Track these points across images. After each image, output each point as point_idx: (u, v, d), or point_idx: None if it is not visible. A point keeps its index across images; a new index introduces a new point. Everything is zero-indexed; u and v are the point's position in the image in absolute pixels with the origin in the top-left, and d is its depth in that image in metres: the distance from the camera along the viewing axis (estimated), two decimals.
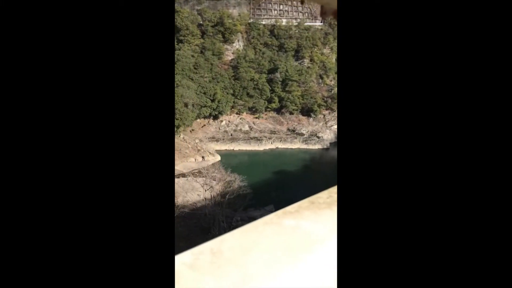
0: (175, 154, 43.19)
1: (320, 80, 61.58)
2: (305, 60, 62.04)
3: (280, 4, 63.60)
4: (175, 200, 32.42)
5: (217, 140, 51.33)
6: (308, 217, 1.11)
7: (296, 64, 61.16)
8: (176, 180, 37.32)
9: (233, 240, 0.97)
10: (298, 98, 57.49)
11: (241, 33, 61.98)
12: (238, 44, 61.88)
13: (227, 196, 31.80)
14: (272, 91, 57.17)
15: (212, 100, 52.10)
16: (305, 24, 62.93)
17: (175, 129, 43.97)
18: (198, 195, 34.30)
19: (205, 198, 32.80)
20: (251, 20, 62.17)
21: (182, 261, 0.87)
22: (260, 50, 60.92)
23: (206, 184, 33.57)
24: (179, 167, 41.70)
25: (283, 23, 62.64)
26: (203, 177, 35.96)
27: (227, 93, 54.78)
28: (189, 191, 35.06)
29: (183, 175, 39.69)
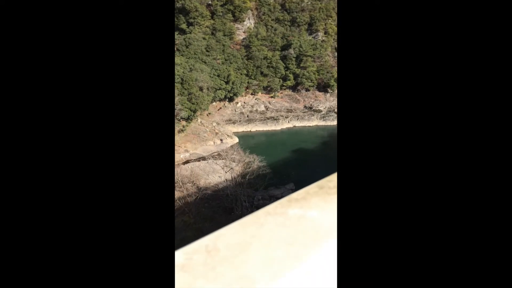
0: (194, 138, 44.06)
1: (336, 53, 59.31)
2: (319, 33, 59.67)
3: None
4: (198, 183, 33.50)
5: (233, 122, 51.56)
6: (316, 204, 1.01)
7: (310, 38, 59.04)
8: (197, 163, 38.33)
9: (231, 235, 0.88)
10: (314, 73, 55.98)
11: (251, 10, 60.12)
12: (249, 22, 60.28)
13: (247, 177, 32.40)
14: (287, 68, 55.92)
15: (227, 82, 51.85)
16: None
17: (192, 114, 44.50)
18: (219, 176, 35.19)
19: (226, 180, 33.62)
20: None
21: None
22: (272, 27, 59.11)
23: (226, 166, 34.25)
24: (198, 150, 42.62)
25: None
26: (222, 159, 36.65)
27: (241, 74, 54.21)
28: (210, 174, 35.98)
29: (203, 158, 40.63)
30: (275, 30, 58.67)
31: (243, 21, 59.86)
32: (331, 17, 59.90)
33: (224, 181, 33.85)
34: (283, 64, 55.82)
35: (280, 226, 0.92)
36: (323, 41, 59.06)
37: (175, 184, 32.10)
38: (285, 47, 56.87)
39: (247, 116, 53.30)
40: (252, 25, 60.13)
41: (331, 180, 1.15)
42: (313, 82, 56.44)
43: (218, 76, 51.06)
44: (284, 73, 56.04)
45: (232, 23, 58.46)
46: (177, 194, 31.51)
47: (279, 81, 56.24)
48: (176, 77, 43.80)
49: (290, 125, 52.87)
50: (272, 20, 59.94)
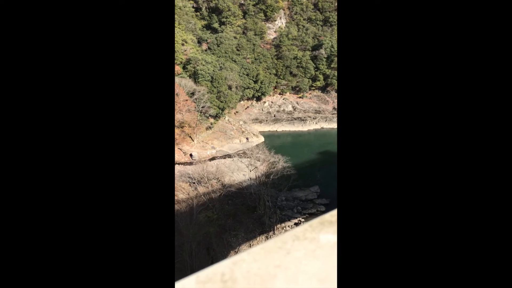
0: (221, 136, 44.84)
1: None
2: None
3: None
4: (222, 180, 34.10)
5: (260, 122, 51.72)
6: None
7: None
8: (222, 160, 39.04)
9: (252, 263, 0.75)
10: None
11: (283, 9, 59.81)
12: (281, 22, 60.02)
13: (271, 177, 32.35)
14: (317, 68, 55.00)
15: (255, 81, 52.09)
16: None
17: (220, 112, 45.27)
18: (243, 175, 35.53)
19: (250, 178, 33.83)
20: None
21: None
22: (304, 26, 58.40)
23: (251, 165, 34.49)
24: (225, 148, 43.32)
25: None
26: (248, 157, 36.96)
27: (270, 73, 54.19)
28: (235, 171, 36.43)
29: (229, 156, 41.24)
30: (307, 29, 57.89)
31: (275, 20, 59.71)
32: None
33: (248, 179, 34.08)
34: (313, 64, 54.96)
35: (310, 255, 0.78)
36: None
37: (201, 180, 32.89)
38: (316, 47, 55.94)
39: (274, 116, 53.17)
40: (284, 24, 59.81)
41: None
42: None
43: (247, 75, 51.43)
44: (313, 74, 55.16)
45: (263, 22, 58.55)
46: (202, 189, 32.26)
47: (308, 81, 55.46)
48: (206, 75, 44.77)
49: (317, 126, 51.96)
50: (304, 19, 59.19)
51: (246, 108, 53.43)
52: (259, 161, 35.07)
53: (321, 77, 55.43)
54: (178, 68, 44.94)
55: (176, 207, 29.48)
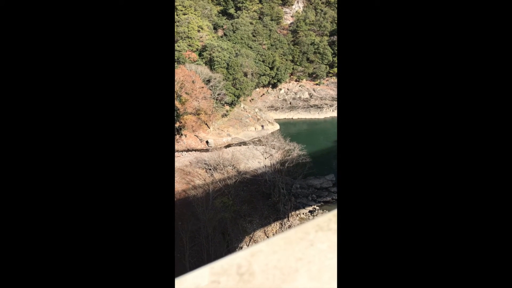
0: (237, 123, 45.02)
1: None
2: None
3: None
4: (238, 166, 34.53)
5: (276, 109, 51.35)
6: None
7: None
8: (238, 147, 39.41)
9: (271, 254, 0.68)
10: None
11: None
12: (298, 6, 58.35)
13: (286, 164, 32.39)
14: (335, 54, 53.45)
15: (271, 68, 51.42)
16: None
17: (236, 99, 45.25)
18: (258, 162, 35.78)
19: (265, 166, 34.05)
20: None
21: (196, 282, 0.62)
22: (322, 10, 56.53)
23: (266, 152, 34.60)
24: (240, 135, 43.57)
25: None
26: (263, 145, 37.06)
27: (286, 60, 53.26)
28: (250, 159, 36.75)
29: (244, 143, 41.51)
30: (325, 13, 56.02)
31: (292, 4, 58.11)
32: None
33: (263, 167, 34.31)
34: (331, 50, 53.43)
35: (336, 248, 0.71)
36: None
37: (217, 166, 33.45)
38: (334, 32, 54.18)
39: (290, 103, 52.60)
40: (301, 8, 58.13)
41: None
42: None
43: (263, 61, 50.79)
44: (331, 60, 53.72)
45: (280, 7, 57.12)
46: (218, 176, 32.85)
47: (326, 67, 54.14)
48: (222, 62, 44.60)
49: (334, 114, 50.98)
50: (322, 3, 57.22)
51: (261, 96, 53.08)
52: (274, 148, 35.09)
53: None
54: (194, 55, 44.95)
55: (193, 192, 30.26)
